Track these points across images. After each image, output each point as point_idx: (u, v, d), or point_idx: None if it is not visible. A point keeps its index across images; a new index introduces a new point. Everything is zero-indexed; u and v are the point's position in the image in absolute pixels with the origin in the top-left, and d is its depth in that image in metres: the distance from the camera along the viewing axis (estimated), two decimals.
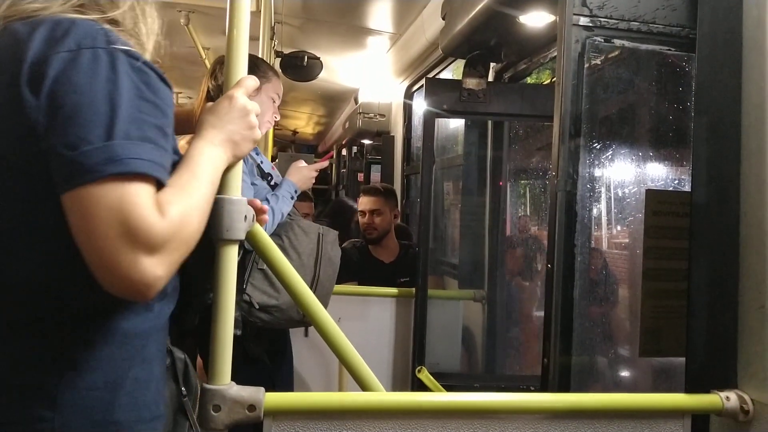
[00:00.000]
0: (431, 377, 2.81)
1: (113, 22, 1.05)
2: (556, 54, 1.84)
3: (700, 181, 1.55)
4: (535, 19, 2.43)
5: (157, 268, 0.93)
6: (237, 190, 1.23)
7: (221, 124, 1.15)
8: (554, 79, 1.86)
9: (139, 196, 0.91)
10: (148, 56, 1.08)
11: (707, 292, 1.52)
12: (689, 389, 1.52)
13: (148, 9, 1.14)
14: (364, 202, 3.78)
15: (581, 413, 1.44)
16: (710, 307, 1.52)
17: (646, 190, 1.81)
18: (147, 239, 0.91)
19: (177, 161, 1.08)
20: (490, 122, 3.41)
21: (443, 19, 2.88)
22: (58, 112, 0.92)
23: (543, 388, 1.69)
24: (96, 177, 0.90)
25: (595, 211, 2.30)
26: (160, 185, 0.97)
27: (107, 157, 0.90)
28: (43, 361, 0.98)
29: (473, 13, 2.44)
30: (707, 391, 1.49)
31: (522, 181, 3.70)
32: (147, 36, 1.11)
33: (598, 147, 2.01)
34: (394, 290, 3.40)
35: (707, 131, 1.56)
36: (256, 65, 2.22)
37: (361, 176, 6.97)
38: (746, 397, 1.46)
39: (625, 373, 2.45)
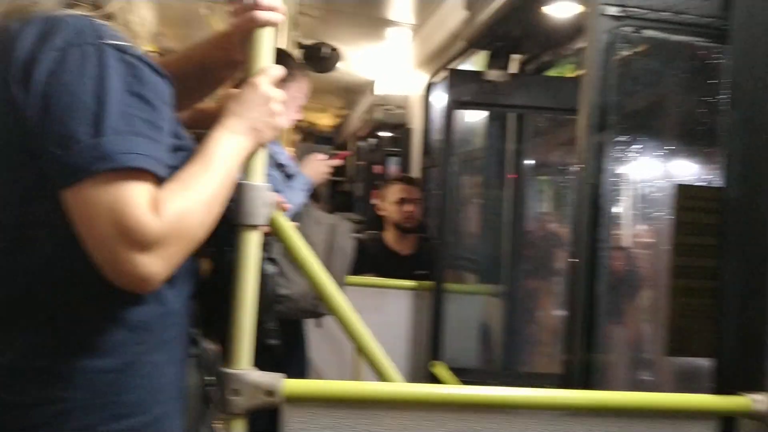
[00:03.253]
0: (448, 371, 2.78)
1: (106, 15, 1.04)
2: (579, 46, 1.81)
3: (733, 176, 1.52)
4: (561, 10, 2.40)
5: (153, 265, 0.94)
6: (260, 176, 1.22)
7: (243, 111, 1.16)
8: (578, 72, 1.82)
9: (131, 194, 0.92)
10: (141, 47, 1.07)
11: (738, 291, 1.49)
12: (718, 390, 1.49)
13: None
14: (405, 191, 3.60)
15: (605, 411, 1.41)
16: (741, 307, 1.48)
17: (677, 184, 1.77)
18: (140, 238, 0.92)
19: (185, 146, 1.08)
20: (511, 115, 3.37)
21: (466, 9, 2.85)
22: (48, 112, 0.93)
23: (564, 385, 1.66)
24: (86, 175, 0.91)
25: (621, 206, 2.26)
26: (158, 178, 0.97)
27: (97, 154, 0.91)
28: (55, 346, 1.00)
29: (498, 3, 2.41)
30: (736, 393, 1.45)
31: (542, 177, 3.65)
32: (139, 26, 1.10)
33: (625, 140, 1.96)
34: (411, 283, 3.35)
35: (741, 126, 1.53)
36: (286, 62, 2.19)
37: (378, 169, 6.93)
38: None
39: (649, 373, 2.41)
